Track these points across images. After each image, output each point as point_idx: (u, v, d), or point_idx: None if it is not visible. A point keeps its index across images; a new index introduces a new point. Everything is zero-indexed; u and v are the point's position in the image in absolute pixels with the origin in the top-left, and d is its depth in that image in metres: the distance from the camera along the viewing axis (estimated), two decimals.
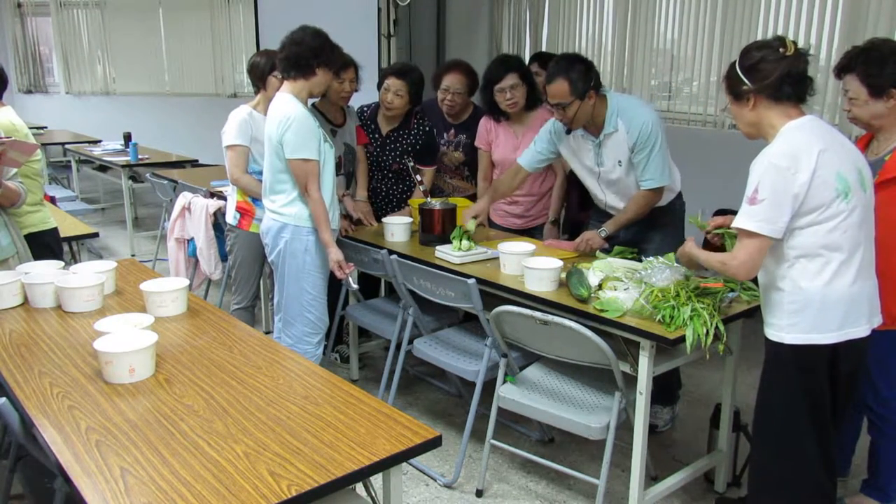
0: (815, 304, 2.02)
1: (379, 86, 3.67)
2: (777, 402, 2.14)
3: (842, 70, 2.38)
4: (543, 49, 6.08)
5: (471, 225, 3.15)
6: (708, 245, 2.47)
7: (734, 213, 2.07)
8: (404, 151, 3.68)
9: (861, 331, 2.07)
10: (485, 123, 3.68)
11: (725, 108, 2.19)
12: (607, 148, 2.99)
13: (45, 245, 3.10)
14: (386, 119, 3.70)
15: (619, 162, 2.98)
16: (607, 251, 3.04)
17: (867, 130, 2.47)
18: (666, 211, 3.13)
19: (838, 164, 1.98)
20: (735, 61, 2.09)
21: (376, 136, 3.72)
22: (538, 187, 3.61)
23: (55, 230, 3.21)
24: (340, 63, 3.06)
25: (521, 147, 3.52)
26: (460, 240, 3.10)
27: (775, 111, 2.04)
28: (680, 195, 3.21)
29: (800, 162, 1.94)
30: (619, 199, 3.10)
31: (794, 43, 2.02)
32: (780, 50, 2.00)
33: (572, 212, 3.66)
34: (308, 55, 2.84)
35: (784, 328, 2.07)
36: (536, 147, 3.20)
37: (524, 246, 3.01)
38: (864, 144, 2.48)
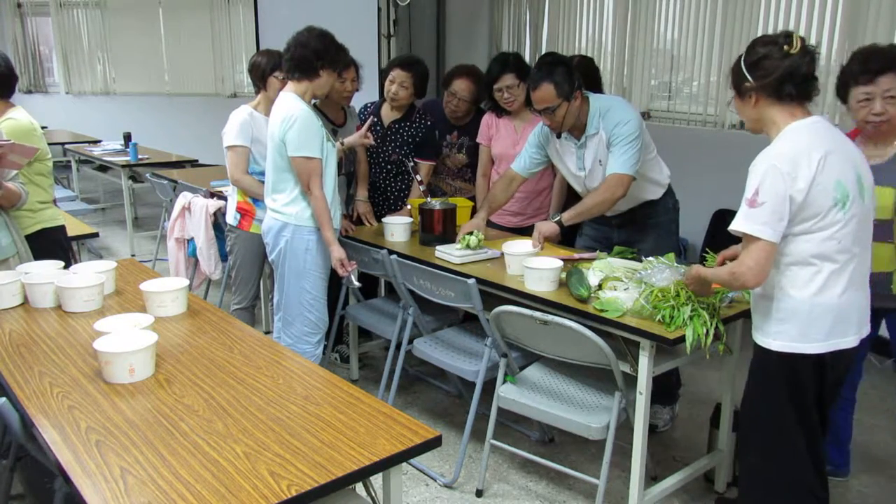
0: (803, 313, 1.99)
1: (384, 78, 3.68)
2: (764, 405, 2.13)
3: (880, 71, 2.34)
4: (544, 49, 6.09)
5: (473, 240, 3.10)
6: None
7: (732, 213, 2.06)
8: (404, 142, 3.69)
9: (849, 341, 2.04)
10: (486, 119, 3.68)
11: (730, 103, 2.14)
12: (588, 149, 2.99)
13: (56, 240, 3.15)
14: (389, 110, 3.72)
15: (600, 161, 2.99)
16: (603, 249, 3.04)
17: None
18: (658, 210, 3.13)
19: (839, 172, 1.94)
20: (741, 55, 2.04)
21: (378, 127, 3.72)
22: (533, 184, 3.60)
23: (64, 227, 3.26)
24: (344, 64, 3.07)
25: (520, 142, 3.53)
26: (467, 243, 3.10)
27: (777, 109, 1.99)
28: (672, 194, 3.20)
29: (799, 167, 1.90)
30: None
31: (802, 39, 1.95)
32: (785, 48, 1.94)
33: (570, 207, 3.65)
34: (312, 57, 2.85)
35: (771, 334, 2.05)
36: (528, 152, 3.20)
37: (527, 246, 3.00)
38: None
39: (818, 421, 2.11)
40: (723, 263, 2.38)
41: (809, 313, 1.99)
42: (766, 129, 2.04)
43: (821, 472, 2.16)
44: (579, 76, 2.90)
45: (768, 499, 2.18)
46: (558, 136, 3.03)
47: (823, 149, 1.92)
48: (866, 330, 2.10)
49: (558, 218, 3.02)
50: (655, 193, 3.10)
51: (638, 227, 3.12)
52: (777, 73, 1.94)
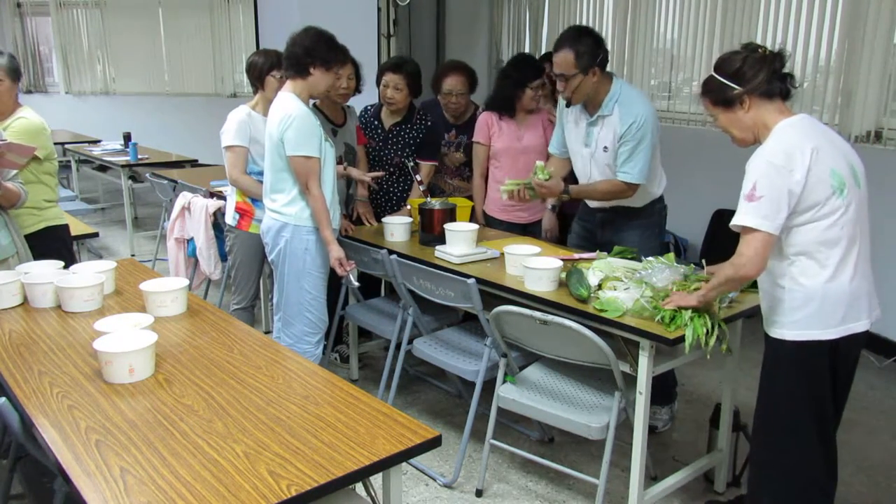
0: (817, 300, 2.04)
1: (378, 83, 3.69)
2: (779, 398, 2.15)
3: None
4: (543, 49, 6.09)
5: (541, 175, 3.04)
6: None
7: (731, 213, 2.07)
8: (406, 145, 3.69)
9: (861, 325, 2.10)
10: (486, 118, 3.67)
11: (710, 122, 2.22)
12: (598, 128, 3.01)
13: (61, 238, 3.18)
14: (389, 114, 3.72)
15: (605, 148, 3.00)
16: (603, 249, 3.04)
17: None
18: (642, 213, 3.15)
19: (832, 161, 2.01)
20: (710, 76, 2.13)
21: (379, 131, 3.73)
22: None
23: (67, 226, 3.28)
24: (339, 62, 3.07)
25: (524, 137, 3.55)
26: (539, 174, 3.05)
27: (768, 109, 2.07)
28: (661, 199, 3.20)
29: (794, 160, 1.97)
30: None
31: (764, 47, 2.09)
32: (759, 51, 2.06)
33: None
34: (301, 54, 2.86)
35: (786, 325, 2.08)
36: (556, 135, 3.25)
37: (527, 247, 3.00)
38: None
39: (833, 412, 2.14)
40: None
41: (823, 300, 2.03)
42: (758, 134, 2.10)
43: (831, 468, 2.18)
44: (605, 53, 2.89)
45: (778, 495, 2.19)
46: (567, 106, 3.05)
47: (814, 141, 2.00)
48: (876, 314, 2.14)
49: (565, 189, 3.03)
50: (642, 200, 3.12)
51: (619, 226, 3.14)
52: (764, 72, 2.04)
